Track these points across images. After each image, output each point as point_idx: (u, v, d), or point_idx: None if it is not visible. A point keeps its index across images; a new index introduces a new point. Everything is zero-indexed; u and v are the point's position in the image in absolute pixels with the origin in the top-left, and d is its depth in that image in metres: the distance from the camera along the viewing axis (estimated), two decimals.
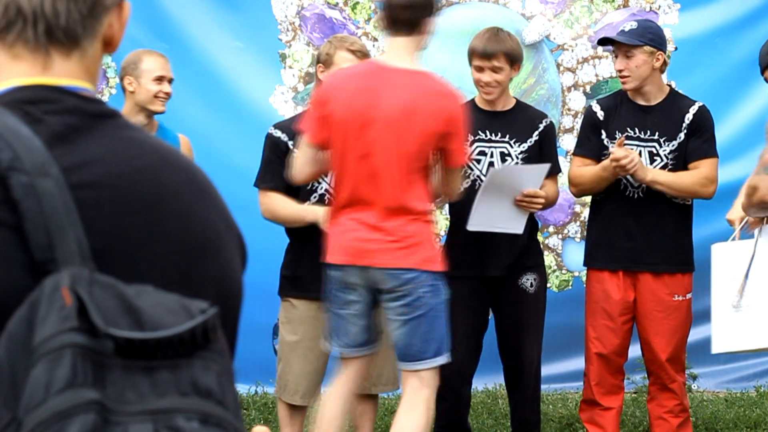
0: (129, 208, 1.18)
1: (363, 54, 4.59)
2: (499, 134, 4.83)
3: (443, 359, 4.17)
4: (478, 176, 4.80)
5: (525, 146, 4.83)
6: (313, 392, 4.65)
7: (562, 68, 6.37)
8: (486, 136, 4.83)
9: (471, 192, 4.72)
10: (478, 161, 4.82)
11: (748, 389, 6.28)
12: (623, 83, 4.86)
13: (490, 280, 4.82)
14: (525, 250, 4.85)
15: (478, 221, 4.63)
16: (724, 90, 6.29)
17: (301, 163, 4.27)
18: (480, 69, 4.74)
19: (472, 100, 4.92)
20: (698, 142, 4.85)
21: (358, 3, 6.32)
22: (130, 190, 1.18)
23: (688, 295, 4.94)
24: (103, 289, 1.08)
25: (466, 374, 4.90)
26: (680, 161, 4.82)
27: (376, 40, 6.32)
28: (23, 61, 1.22)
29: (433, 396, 4.21)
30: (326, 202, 4.55)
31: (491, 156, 4.83)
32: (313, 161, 4.22)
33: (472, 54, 4.76)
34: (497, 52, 4.70)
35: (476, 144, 4.81)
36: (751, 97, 6.31)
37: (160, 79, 4.79)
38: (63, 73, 1.22)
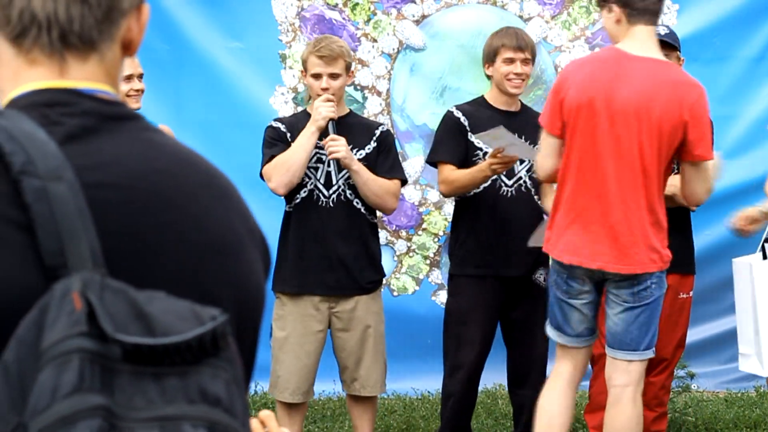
0: (145, 209, 1.17)
1: (331, 58, 4.52)
2: (517, 135, 4.76)
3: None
4: (497, 175, 4.81)
5: (538, 146, 4.85)
6: (304, 389, 4.63)
7: (559, 69, 6.38)
8: None
9: (492, 191, 4.77)
10: None
11: (748, 389, 6.28)
12: None
13: (509, 279, 4.85)
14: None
15: (537, 239, 4.65)
16: (724, 91, 6.29)
17: (542, 156, 4.26)
18: (511, 61, 4.80)
19: (483, 98, 4.95)
20: None
21: (357, 4, 6.33)
22: (147, 191, 1.18)
23: (691, 293, 4.96)
24: (115, 294, 1.07)
25: (479, 375, 4.94)
26: None
27: (375, 41, 6.33)
28: (40, 66, 1.21)
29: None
30: (314, 198, 4.57)
31: None
32: (555, 153, 4.19)
33: (501, 48, 4.80)
34: (528, 45, 4.84)
35: None
36: (751, 98, 6.32)
37: (129, 78, 4.78)
38: (80, 76, 1.22)
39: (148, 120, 1.28)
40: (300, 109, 5.23)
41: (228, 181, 1.27)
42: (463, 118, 4.85)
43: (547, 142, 4.22)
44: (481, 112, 4.86)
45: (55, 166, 1.11)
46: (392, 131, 4.97)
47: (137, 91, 4.80)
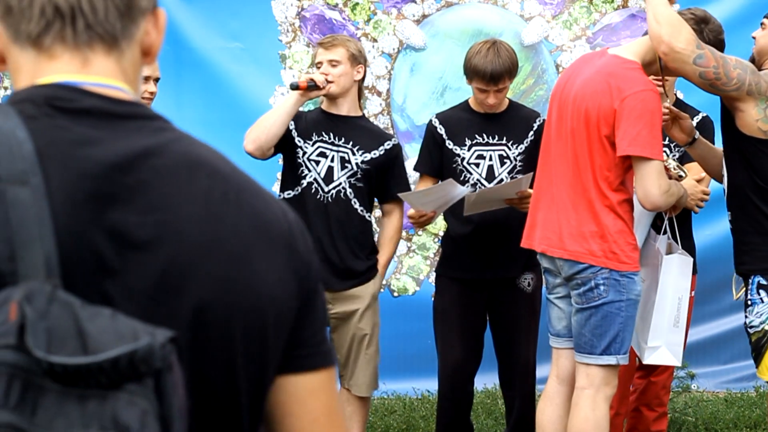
0: (130, 207, 1.15)
1: (330, 45, 4.59)
2: (496, 137, 4.80)
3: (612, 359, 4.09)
4: (477, 180, 4.81)
5: (522, 147, 4.82)
6: None
7: (561, 69, 6.38)
8: (483, 139, 4.82)
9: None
10: (477, 165, 4.82)
11: (748, 389, 6.27)
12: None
13: (493, 281, 4.84)
14: (524, 250, 4.86)
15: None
16: None
17: None
18: (484, 91, 4.69)
19: (466, 102, 4.93)
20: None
21: (357, 4, 6.33)
22: (132, 189, 1.15)
23: (692, 293, 4.95)
24: (62, 308, 1.03)
25: (468, 372, 4.92)
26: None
27: (375, 41, 6.33)
28: (59, 60, 1.19)
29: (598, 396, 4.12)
30: (313, 190, 4.57)
31: (490, 159, 4.83)
32: None
33: (474, 75, 4.65)
34: (502, 75, 4.64)
35: (474, 148, 4.82)
36: None
37: (145, 79, 4.78)
38: (100, 71, 1.20)
39: (173, 124, 1.23)
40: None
41: (244, 181, 1.23)
42: (440, 128, 4.84)
43: None
44: (459, 117, 4.84)
45: (21, 170, 1.08)
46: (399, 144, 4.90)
47: (151, 93, 4.81)
